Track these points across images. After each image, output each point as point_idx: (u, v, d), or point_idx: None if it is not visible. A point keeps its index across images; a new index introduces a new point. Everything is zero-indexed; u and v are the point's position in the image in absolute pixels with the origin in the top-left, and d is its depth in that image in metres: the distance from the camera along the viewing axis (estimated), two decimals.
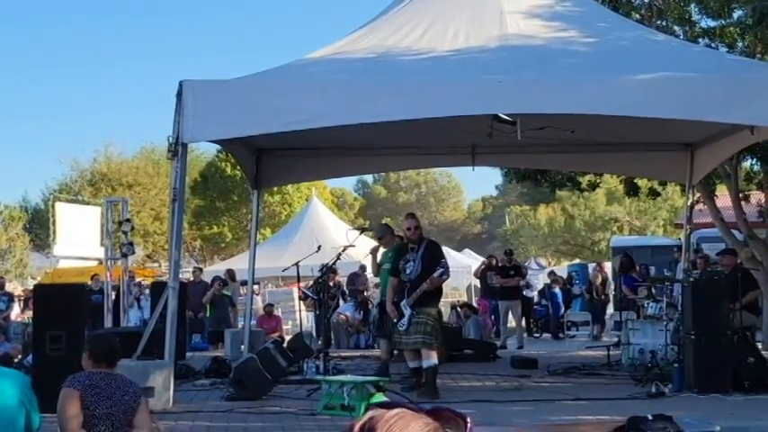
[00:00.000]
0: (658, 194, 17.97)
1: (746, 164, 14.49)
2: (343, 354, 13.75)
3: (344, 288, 18.30)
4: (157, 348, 8.64)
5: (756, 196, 14.93)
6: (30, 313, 14.88)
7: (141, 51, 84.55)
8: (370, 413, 1.42)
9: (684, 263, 13.82)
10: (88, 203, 29.92)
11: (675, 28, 13.17)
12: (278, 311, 18.80)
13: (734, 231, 14.16)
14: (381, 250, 11.02)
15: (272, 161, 12.76)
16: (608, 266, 21.51)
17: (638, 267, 15.96)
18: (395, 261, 9.58)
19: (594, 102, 8.63)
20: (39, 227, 41.97)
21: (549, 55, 9.41)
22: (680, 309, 10.47)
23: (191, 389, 9.71)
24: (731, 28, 12.87)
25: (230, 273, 18.61)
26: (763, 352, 10.39)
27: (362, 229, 12.71)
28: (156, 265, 35.47)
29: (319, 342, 12.48)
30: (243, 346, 12.15)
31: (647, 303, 11.97)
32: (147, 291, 16.50)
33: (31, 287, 15.65)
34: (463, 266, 26.84)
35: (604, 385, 9.77)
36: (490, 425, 7.23)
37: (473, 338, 14.36)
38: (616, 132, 11.74)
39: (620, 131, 11.60)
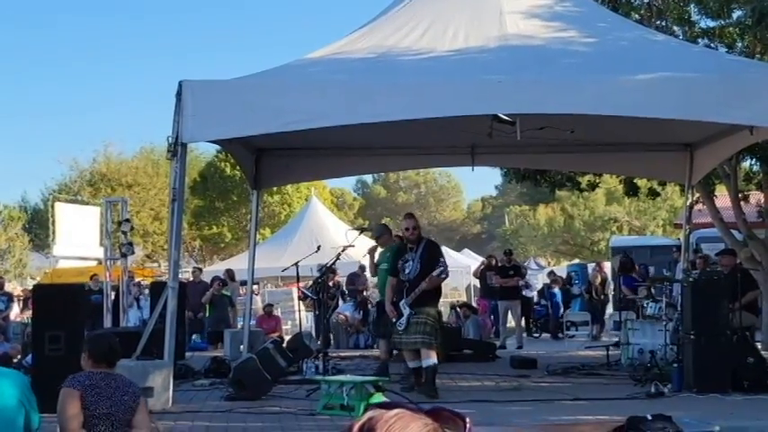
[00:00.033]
0: (658, 194, 17.98)
1: (746, 164, 14.50)
2: (342, 354, 13.75)
3: (344, 288, 18.30)
4: (157, 348, 8.64)
5: (756, 196, 14.94)
6: (29, 313, 14.86)
7: (141, 51, 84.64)
8: (369, 413, 1.42)
9: (684, 263, 13.82)
10: (87, 203, 29.92)
11: (675, 28, 13.18)
12: (277, 311, 18.81)
13: (733, 231, 14.17)
14: (379, 250, 11.02)
15: (271, 161, 12.76)
16: (607, 266, 21.52)
17: (637, 267, 15.97)
18: (394, 261, 9.58)
19: (594, 102, 8.64)
20: (38, 227, 41.98)
21: (548, 55, 9.42)
22: (679, 309, 10.47)
23: (190, 389, 9.71)
24: (731, 28, 12.88)
25: (229, 273, 18.61)
26: (762, 352, 10.39)
27: (362, 230, 12.71)
28: (155, 265, 35.45)
29: (318, 342, 12.48)
30: (242, 346, 12.15)
31: (647, 303, 11.97)
32: (147, 291, 16.50)
33: (31, 287, 15.64)
34: (462, 266, 26.86)
35: (604, 385, 9.77)
36: (489, 425, 7.24)
37: (472, 338, 14.36)
38: (615, 132, 11.75)
39: (620, 131, 11.61)
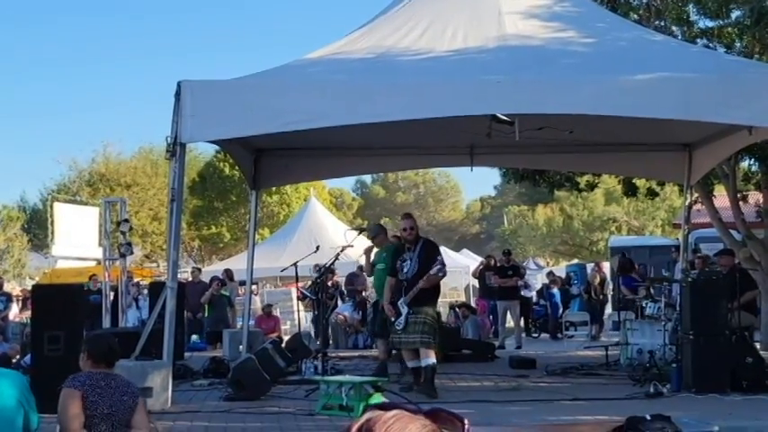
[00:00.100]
0: (656, 195, 17.99)
1: (744, 164, 14.51)
2: (341, 354, 13.75)
3: (343, 288, 18.30)
4: (156, 348, 8.64)
5: (754, 196, 14.94)
6: (28, 313, 14.87)
7: (140, 51, 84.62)
8: (367, 414, 1.42)
9: (683, 263, 13.83)
10: (86, 204, 29.93)
11: (674, 28, 13.17)
12: (276, 312, 18.80)
13: (732, 231, 14.17)
14: (375, 250, 11.04)
15: (270, 161, 12.76)
16: (606, 266, 21.53)
17: (637, 267, 15.97)
18: (392, 261, 9.59)
19: (593, 102, 8.64)
20: (37, 227, 41.96)
21: (547, 55, 9.42)
22: (678, 309, 10.47)
23: (189, 389, 9.71)
24: (729, 28, 12.87)
25: (228, 273, 18.61)
26: (761, 352, 10.39)
27: (361, 230, 12.72)
28: (154, 265, 35.42)
29: (318, 342, 12.48)
30: (241, 347, 12.16)
31: (646, 303, 11.97)
32: (146, 291, 16.51)
33: (30, 287, 15.63)
34: (461, 266, 26.87)
35: (603, 385, 9.77)
36: (488, 425, 7.24)
37: (471, 338, 14.36)
38: (614, 133, 11.75)
39: (619, 132, 11.61)
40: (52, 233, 25.24)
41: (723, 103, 8.57)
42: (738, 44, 12.89)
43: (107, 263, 14.97)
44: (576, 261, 35.93)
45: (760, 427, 7.26)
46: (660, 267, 18.01)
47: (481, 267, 17.92)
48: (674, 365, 9.51)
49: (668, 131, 11.55)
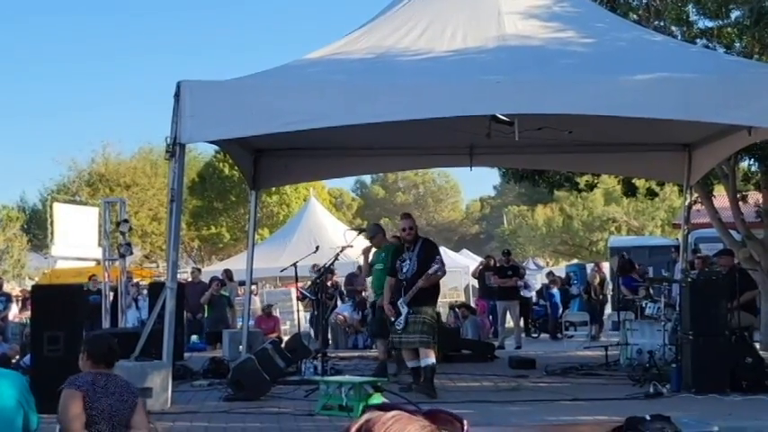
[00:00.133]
0: (656, 195, 17.98)
1: (744, 164, 14.50)
2: (341, 354, 13.75)
3: (342, 288, 18.29)
4: (155, 349, 8.64)
5: (754, 196, 14.94)
6: (28, 314, 14.87)
7: (139, 51, 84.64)
8: (366, 415, 1.42)
9: (682, 263, 13.82)
10: (86, 204, 29.93)
11: (673, 28, 13.17)
12: (276, 312, 18.79)
13: (732, 232, 14.17)
14: (373, 250, 11.05)
15: (270, 162, 12.76)
16: (606, 267, 21.53)
17: (637, 267, 15.96)
18: (392, 261, 9.60)
19: (592, 102, 8.64)
20: (36, 227, 41.97)
21: (546, 55, 9.42)
22: (678, 309, 10.47)
23: (189, 389, 9.71)
24: (729, 28, 12.86)
25: (228, 273, 18.61)
26: (760, 352, 10.40)
27: (360, 230, 12.71)
28: (153, 265, 35.43)
29: (317, 342, 12.48)
30: (241, 347, 12.15)
31: (646, 303, 11.97)
32: (145, 291, 16.51)
33: (29, 288, 15.63)
34: (461, 267, 26.89)
35: (602, 385, 9.77)
36: (488, 425, 7.24)
37: (471, 339, 14.36)
38: (614, 133, 11.75)
39: (618, 132, 11.61)
40: (52, 233, 25.25)
41: (722, 104, 8.57)
42: (738, 44, 12.89)
43: (106, 263, 14.97)
44: (575, 261, 35.93)
45: (759, 428, 7.26)
46: (660, 267, 18.02)
47: (481, 267, 17.92)
48: (673, 366, 9.51)
49: (668, 132, 11.54)
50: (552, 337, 18.36)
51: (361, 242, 12.04)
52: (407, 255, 9.27)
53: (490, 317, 17.47)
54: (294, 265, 11.80)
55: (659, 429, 6.36)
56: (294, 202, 42.49)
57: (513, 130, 9.70)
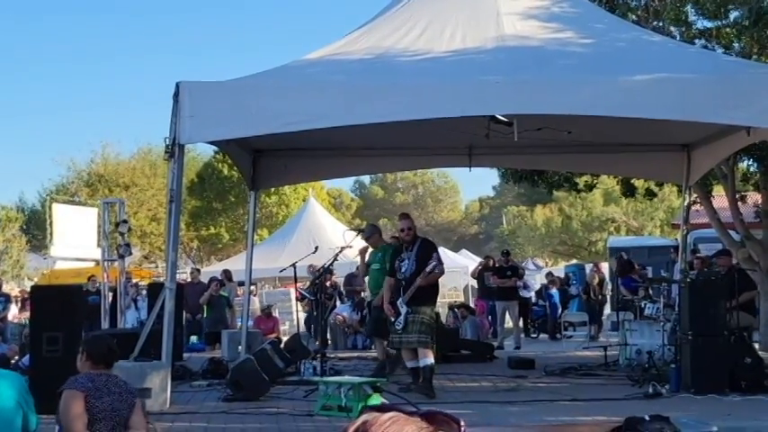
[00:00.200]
0: (655, 195, 17.98)
1: (743, 164, 14.50)
2: (340, 354, 13.75)
3: (341, 289, 18.29)
4: (154, 349, 8.64)
5: (753, 197, 14.94)
6: (27, 314, 14.85)
7: (139, 51, 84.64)
8: (363, 416, 1.42)
9: (681, 263, 13.83)
10: (85, 204, 29.93)
11: (672, 29, 13.16)
12: (275, 312, 18.78)
13: (731, 232, 14.17)
14: (370, 250, 11.06)
15: (269, 162, 12.75)
16: (605, 267, 21.52)
17: (636, 267, 15.96)
18: (391, 261, 9.61)
19: (591, 103, 8.65)
20: (35, 228, 41.95)
21: (545, 56, 9.42)
22: (677, 309, 10.47)
23: (188, 390, 9.71)
24: (728, 29, 12.86)
25: (227, 273, 18.60)
26: (759, 352, 10.40)
27: (359, 230, 12.70)
28: (153, 266, 35.44)
29: (316, 343, 12.47)
30: (240, 347, 12.15)
31: (645, 304, 11.98)
32: (144, 292, 16.51)
33: (28, 288, 15.63)
34: (460, 267, 26.87)
35: (601, 386, 9.77)
36: (487, 425, 7.24)
37: (470, 339, 14.36)
38: (613, 133, 11.75)
39: (617, 132, 11.62)
40: (51, 234, 25.25)
41: (721, 104, 8.58)
42: (737, 45, 12.89)
43: (106, 264, 14.97)
44: (574, 261, 35.92)
45: (759, 428, 7.27)
46: (659, 268, 18.02)
47: (480, 268, 17.92)
48: (672, 366, 9.51)
49: (667, 132, 11.55)
50: (551, 337, 18.36)
51: (360, 242, 12.05)
52: (406, 255, 9.27)
53: (489, 317, 17.48)
54: (293, 265, 11.80)
55: (658, 429, 6.36)
56: (293, 203, 42.48)
57: (513, 130, 9.71)
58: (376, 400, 7.78)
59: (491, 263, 17.27)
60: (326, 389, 8.07)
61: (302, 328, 15.53)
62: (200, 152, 45.26)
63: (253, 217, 13.34)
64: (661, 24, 12.94)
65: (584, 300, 18.71)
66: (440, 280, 9.68)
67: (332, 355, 12.62)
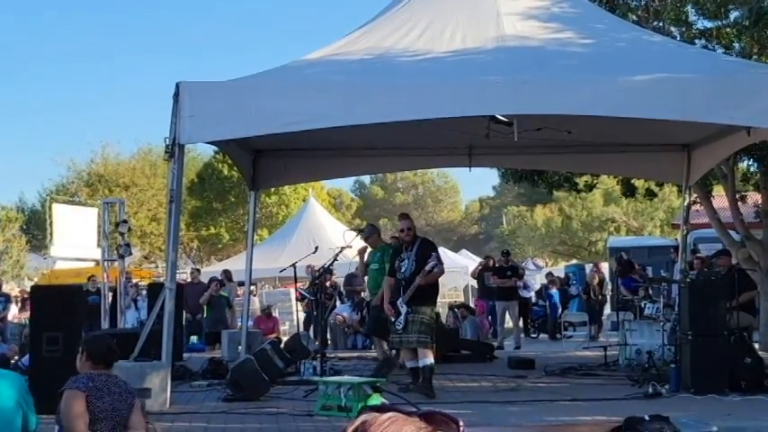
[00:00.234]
0: (655, 195, 17.97)
1: (743, 165, 14.50)
2: (340, 354, 13.74)
3: (341, 289, 18.29)
4: (154, 349, 8.64)
5: (753, 197, 14.94)
6: (27, 314, 14.86)
7: (139, 51, 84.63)
8: (362, 417, 1.42)
9: (681, 263, 13.83)
10: (85, 204, 29.94)
11: (672, 29, 13.16)
12: (275, 312, 18.79)
13: (731, 232, 14.17)
14: (369, 250, 11.06)
15: (269, 162, 12.76)
16: (605, 267, 21.53)
17: (636, 267, 15.96)
18: (391, 261, 9.61)
19: (591, 103, 8.65)
20: (35, 228, 41.95)
21: (545, 56, 9.42)
22: (677, 309, 10.47)
23: (188, 390, 9.71)
24: (728, 29, 12.86)
25: (227, 273, 18.59)
26: (759, 352, 10.40)
27: (359, 230, 12.71)
28: (153, 266, 35.44)
29: (316, 343, 12.47)
30: (240, 347, 12.15)
31: (645, 304, 11.98)
32: (144, 292, 16.51)
33: (28, 288, 15.63)
34: (460, 267, 26.87)
35: (601, 386, 9.78)
36: (487, 425, 7.24)
37: (470, 339, 14.36)
38: (613, 133, 11.75)
39: (617, 132, 11.62)
40: (51, 234, 25.25)
41: (721, 104, 8.58)
42: (737, 45, 12.88)
43: (106, 264, 14.97)
44: (574, 261, 35.93)
45: (758, 428, 7.27)
46: (659, 268, 18.04)
47: (480, 268, 17.92)
48: (672, 366, 9.51)
49: (667, 132, 11.55)
50: (551, 337, 18.36)
51: (359, 242, 12.06)
52: (406, 255, 9.28)
53: (489, 317, 17.47)
54: (293, 265, 11.80)
55: (658, 429, 6.36)
56: (293, 203, 42.48)
57: (513, 130, 9.71)
58: (376, 400, 7.78)
59: (491, 263, 17.27)
60: (326, 389, 8.08)
61: (302, 328, 15.54)
62: (201, 152, 45.34)
63: (253, 217, 13.34)
64: (661, 24, 12.94)
65: (584, 300, 18.71)
66: (440, 280, 9.68)
67: (332, 355, 12.62)
